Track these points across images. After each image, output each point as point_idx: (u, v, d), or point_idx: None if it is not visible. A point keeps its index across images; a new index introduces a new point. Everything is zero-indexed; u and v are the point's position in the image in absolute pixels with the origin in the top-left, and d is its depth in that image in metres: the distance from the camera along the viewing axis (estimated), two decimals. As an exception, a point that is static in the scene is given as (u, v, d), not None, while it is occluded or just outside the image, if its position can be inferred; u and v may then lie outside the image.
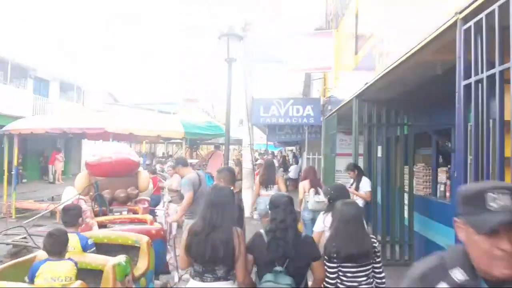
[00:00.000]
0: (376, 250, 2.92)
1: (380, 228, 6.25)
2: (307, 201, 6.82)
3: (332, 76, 9.00)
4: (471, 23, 2.76)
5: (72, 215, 3.51)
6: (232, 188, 3.61)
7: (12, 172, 10.13)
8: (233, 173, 4.67)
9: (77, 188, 5.60)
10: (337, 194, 3.48)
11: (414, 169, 6.37)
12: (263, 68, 10.94)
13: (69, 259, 2.98)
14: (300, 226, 5.75)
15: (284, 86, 18.11)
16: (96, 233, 4.06)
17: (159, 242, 4.42)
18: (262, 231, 2.84)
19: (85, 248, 3.39)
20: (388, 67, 4.41)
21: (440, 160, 6.20)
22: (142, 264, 3.71)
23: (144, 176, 6.07)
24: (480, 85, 2.73)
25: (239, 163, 11.08)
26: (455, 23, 2.98)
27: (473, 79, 2.77)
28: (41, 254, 3.16)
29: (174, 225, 7.07)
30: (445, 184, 5.86)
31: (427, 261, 1.32)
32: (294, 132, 12.34)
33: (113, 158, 5.65)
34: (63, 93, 20.37)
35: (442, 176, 5.92)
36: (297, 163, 18.52)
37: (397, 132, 6.48)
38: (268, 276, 2.64)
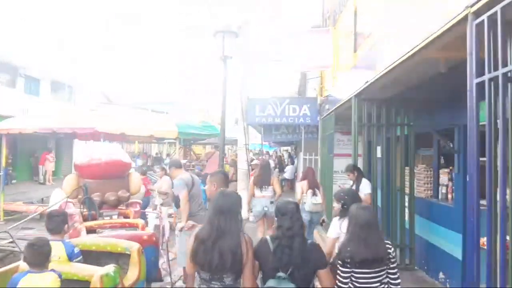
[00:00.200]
0: (391, 255, 2.88)
1: (380, 231, 6.07)
2: (305, 202, 6.66)
3: (330, 75, 8.82)
4: (484, 17, 2.59)
5: (57, 221, 3.29)
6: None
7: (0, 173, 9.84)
8: (227, 176, 4.50)
9: (65, 191, 5.36)
10: (352, 199, 3.43)
11: (415, 170, 6.21)
12: (260, 67, 10.75)
13: (52, 270, 2.75)
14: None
15: (279, 85, 17.92)
16: (84, 240, 3.84)
17: (151, 248, 4.21)
18: (268, 237, 2.82)
19: (71, 257, 3.17)
20: (391, 64, 4.23)
21: (442, 161, 6.04)
22: (133, 273, 3.50)
23: (135, 178, 5.84)
24: (493, 83, 2.57)
25: (234, 163, 10.88)
26: (465, 17, 2.80)
27: (486, 76, 2.60)
28: (24, 264, 2.94)
29: (167, 228, 6.87)
30: (447, 186, 5.71)
31: None
32: (290, 132, 12.17)
33: (103, 160, 5.41)
34: (54, 92, 20.03)
35: (443, 178, 5.76)
36: (292, 163, 18.36)
37: (397, 132, 6.31)
38: (271, 282, 2.61)
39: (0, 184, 9.51)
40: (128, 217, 5.33)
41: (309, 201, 6.63)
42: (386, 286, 2.84)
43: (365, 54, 5.55)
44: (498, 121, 2.53)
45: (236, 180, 9.09)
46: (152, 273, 4.15)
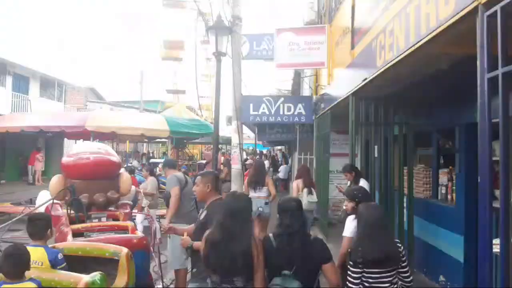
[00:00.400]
0: (402, 254, 2.90)
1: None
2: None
3: (325, 73, 8.67)
4: (497, 7, 2.42)
5: (39, 226, 3.06)
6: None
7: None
8: (217, 177, 4.32)
9: (51, 192, 5.11)
10: (365, 197, 3.44)
11: (413, 170, 6.07)
12: (253, 64, 10.64)
13: (30, 279, 2.53)
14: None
15: (272, 83, 17.80)
16: (69, 245, 3.62)
17: (141, 252, 3.98)
18: (270, 235, 2.84)
19: (54, 264, 2.95)
20: (392, 60, 4.07)
21: (441, 161, 5.90)
22: (121, 281, 3.28)
23: (126, 179, 5.60)
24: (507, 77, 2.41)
25: (227, 163, 10.68)
26: (475, 9, 2.64)
27: (500, 71, 2.44)
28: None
29: (158, 230, 6.65)
30: (446, 186, 5.58)
31: None
32: (285, 131, 12.02)
33: (91, 159, 5.16)
34: (43, 90, 19.67)
35: (443, 178, 5.63)
36: (286, 163, 18.21)
37: (395, 131, 6.16)
38: (276, 280, 2.64)
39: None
40: (118, 219, 5.11)
41: (305, 199, 6.53)
42: (396, 286, 2.84)
43: (363, 51, 5.39)
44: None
45: (230, 180, 8.89)
46: (142, 279, 3.94)
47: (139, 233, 4.61)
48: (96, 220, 4.90)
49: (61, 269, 2.98)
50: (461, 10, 2.78)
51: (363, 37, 5.47)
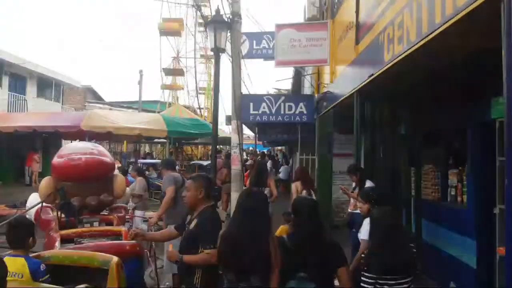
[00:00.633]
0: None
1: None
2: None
3: (328, 71, 8.42)
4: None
5: (19, 233, 2.79)
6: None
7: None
8: (210, 181, 4.05)
9: (40, 195, 4.86)
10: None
11: (421, 171, 5.81)
12: (251, 64, 10.44)
13: (7, 295, 2.27)
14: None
15: (271, 83, 17.63)
16: (56, 253, 3.37)
17: (134, 260, 3.74)
18: (285, 236, 2.82)
19: (35, 276, 2.69)
20: (401, 54, 3.81)
21: (450, 161, 5.63)
22: (111, 292, 3.03)
23: (120, 180, 5.36)
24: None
25: (227, 164, 10.44)
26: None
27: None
28: None
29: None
30: (456, 187, 5.32)
31: None
32: (286, 131, 11.76)
33: (83, 160, 4.91)
34: (41, 90, 19.43)
35: (453, 179, 5.36)
36: (287, 163, 17.98)
37: (402, 131, 5.91)
38: (292, 283, 2.61)
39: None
40: (112, 224, 4.86)
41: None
42: None
43: (369, 46, 5.14)
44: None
45: (229, 182, 8.65)
46: (135, 288, 3.69)
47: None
48: (88, 224, 4.65)
49: (44, 281, 2.72)
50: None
51: (368, 31, 5.22)
